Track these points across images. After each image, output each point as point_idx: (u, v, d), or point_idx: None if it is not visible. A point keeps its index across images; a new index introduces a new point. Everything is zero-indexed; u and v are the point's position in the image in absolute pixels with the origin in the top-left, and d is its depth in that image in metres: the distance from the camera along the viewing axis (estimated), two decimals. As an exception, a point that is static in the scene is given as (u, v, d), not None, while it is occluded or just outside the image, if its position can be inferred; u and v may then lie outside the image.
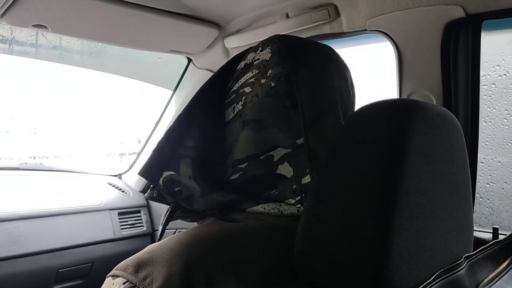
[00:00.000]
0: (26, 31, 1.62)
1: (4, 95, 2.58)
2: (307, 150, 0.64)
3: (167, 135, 0.69)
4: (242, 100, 0.69)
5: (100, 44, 1.75)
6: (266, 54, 0.70)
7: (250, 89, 0.68)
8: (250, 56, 0.72)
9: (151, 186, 0.70)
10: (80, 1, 1.18)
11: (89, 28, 1.34)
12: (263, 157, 0.65)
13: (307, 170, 0.64)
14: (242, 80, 0.70)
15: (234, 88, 0.71)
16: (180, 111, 0.71)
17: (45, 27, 1.29)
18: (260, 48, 0.72)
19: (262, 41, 0.73)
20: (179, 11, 1.35)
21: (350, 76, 0.76)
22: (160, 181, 0.68)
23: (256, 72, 0.69)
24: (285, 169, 0.64)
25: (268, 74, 0.68)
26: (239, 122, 0.68)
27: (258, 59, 0.70)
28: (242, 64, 0.73)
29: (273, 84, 0.67)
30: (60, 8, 1.20)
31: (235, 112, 0.69)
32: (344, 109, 0.70)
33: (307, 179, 0.64)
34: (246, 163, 0.66)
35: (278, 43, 0.70)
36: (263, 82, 0.67)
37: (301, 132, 0.65)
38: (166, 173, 0.68)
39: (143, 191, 2.01)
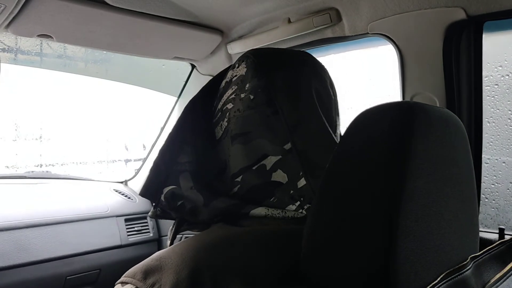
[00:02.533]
0: (31, 40, 1.64)
1: (9, 103, 2.59)
2: (296, 154, 0.65)
3: (161, 153, 0.71)
4: (227, 117, 0.71)
5: (105, 52, 1.76)
6: (242, 70, 0.72)
7: (232, 105, 0.70)
8: (229, 74, 0.74)
9: (154, 204, 0.71)
10: (84, 10, 1.19)
11: (93, 37, 1.36)
12: (255, 168, 0.66)
13: (301, 173, 0.65)
14: (224, 97, 0.72)
15: (219, 106, 0.73)
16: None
17: (50, 36, 1.30)
18: (237, 65, 0.74)
19: (238, 57, 0.76)
20: (182, 18, 1.36)
21: (329, 77, 0.78)
22: (162, 198, 0.70)
23: (235, 88, 0.71)
24: (279, 176, 0.65)
25: (246, 88, 0.70)
26: (227, 138, 0.70)
27: (236, 75, 0.72)
28: (223, 83, 0.75)
29: (252, 97, 0.69)
30: (64, 18, 1.21)
31: (223, 129, 0.71)
32: (325, 109, 0.72)
33: (302, 182, 0.65)
34: (241, 176, 0.67)
35: (252, 57, 0.72)
36: (242, 96, 0.70)
37: (287, 137, 0.66)
38: (166, 189, 0.69)
39: (149, 197, 2.01)
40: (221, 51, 1.57)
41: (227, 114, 0.71)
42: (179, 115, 0.74)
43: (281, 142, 0.66)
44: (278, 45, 1.35)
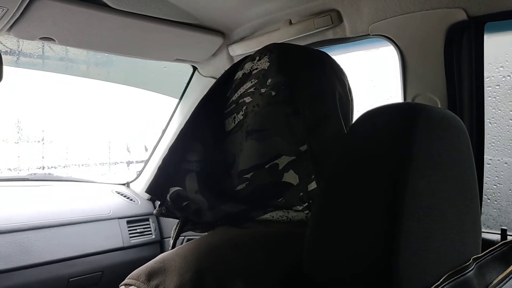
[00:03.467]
0: (33, 43, 1.65)
1: (11, 106, 2.60)
2: (311, 157, 0.64)
3: (170, 151, 0.70)
4: (243, 110, 0.69)
5: (106, 54, 1.77)
6: (264, 64, 0.70)
7: (250, 99, 0.68)
8: (248, 66, 0.72)
9: (159, 203, 0.71)
10: (86, 13, 1.20)
11: (95, 40, 1.36)
12: (268, 166, 0.65)
13: (312, 176, 0.64)
14: (242, 90, 0.70)
15: (234, 98, 0.71)
16: (186, 120, 0.72)
17: (52, 39, 1.30)
18: (257, 58, 0.72)
19: (259, 50, 0.73)
20: (183, 20, 1.36)
21: (348, 81, 0.76)
22: (168, 197, 0.69)
23: (256, 81, 0.69)
24: (291, 177, 0.64)
25: (267, 83, 0.68)
26: (241, 132, 0.68)
27: (257, 69, 0.70)
28: (239, 74, 0.73)
29: (273, 93, 0.67)
30: (66, 21, 1.22)
31: (236, 122, 0.69)
32: (344, 113, 0.71)
33: (313, 185, 0.64)
34: (251, 173, 0.66)
35: (276, 52, 0.70)
36: (263, 91, 0.68)
37: (304, 139, 0.65)
38: (172, 189, 0.68)
39: (151, 199, 2.02)
40: (223, 53, 1.57)
41: (244, 108, 0.68)
42: (181, 117, 0.73)
43: (297, 143, 0.65)
44: (279, 47, 1.35)
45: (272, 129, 0.66)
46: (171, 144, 0.71)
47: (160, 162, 0.70)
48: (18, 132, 2.56)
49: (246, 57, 0.75)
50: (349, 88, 0.76)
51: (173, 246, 0.72)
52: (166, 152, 0.70)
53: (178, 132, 0.72)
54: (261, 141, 0.66)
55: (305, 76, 0.68)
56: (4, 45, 1.68)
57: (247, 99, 0.69)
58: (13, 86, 2.40)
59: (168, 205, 0.69)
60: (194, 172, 0.68)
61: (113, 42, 1.40)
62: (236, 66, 0.75)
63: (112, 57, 1.84)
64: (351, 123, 0.75)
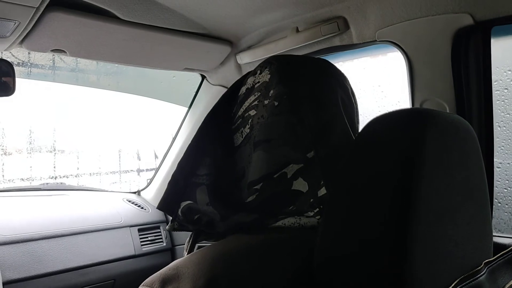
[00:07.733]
0: (43, 55, 1.67)
1: (24, 117, 2.64)
2: (318, 163, 0.64)
3: (179, 166, 0.71)
4: (249, 124, 0.70)
5: (116, 65, 1.79)
6: (265, 76, 0.71)
7: (255, 112, 0.70)
8: (250, 80, 0.74)
9: (171, 218, 0.72)
10: (96, 25, 1.22)
11: (105, 51, 1.38)
12: (277, 176, 0.66)
13: (322, 182, 0.65)
14: (246, 104, 0.72)
15: (239, 113, 0.72)
16: (195, 128, 0.73)
17: (63, 51, 1.33)
18: (258, 71, 0.73)
19: (260, 64, 0.75)
20: (191, 30, 1.38)
21: (350, 85, 0.77)
22: (179, 212, 0.70)
23: (259, 94, 0.70)
24: (300, 184, 0.65)
25: (270, 95, 0.69)
26: (249, 144, 0.69)
27: (259, 82, 0.72)
28: (243, 89, 0.74)
29: (276, 104, 0.68)
30: (77, 33, 1.24)
31: (244, 136, 0.70)
32: (348, 117, 0.71)
33: (322, 191, 0.64)
34: (261, 184, 0.66)
35: (276, 63, 0.72)
36: (266, 103, 0.69)
37: (310, 146, 0.65)
38: (183, 203, 0.70)
39: (162, 207, 2.03)
40: (231, 61, 1.59)
41: (250, 121, 0.70)
42: (190, 125, 0.74)
43: (304, 150, 0.66)
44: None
45: (279, 138, 0.67)
46: (180, 159, 0.72)
47: (170, 178, 0.71)
48: (30, 143, 2.60)
49: (249, 72, 0.77)
50: (352, 92, 0.76)
51: None
52: (176, 168, 0.71)
53: (187, 140, 0.73)
54: (269, 151, 0.67)
55: (306, 84, 0.69)
56: (16, 57, 1.71)
57: (252, 112, 0.70)
58: (25, 97, 2.44)
59: (180, 220, 0.71)
60: (204, 185, 0.69)
61: (123, 52, 1.42)
62: (240, 82, 0.77)
63: (122, 67, 1.86)
64: (357, 126, 0.76)
